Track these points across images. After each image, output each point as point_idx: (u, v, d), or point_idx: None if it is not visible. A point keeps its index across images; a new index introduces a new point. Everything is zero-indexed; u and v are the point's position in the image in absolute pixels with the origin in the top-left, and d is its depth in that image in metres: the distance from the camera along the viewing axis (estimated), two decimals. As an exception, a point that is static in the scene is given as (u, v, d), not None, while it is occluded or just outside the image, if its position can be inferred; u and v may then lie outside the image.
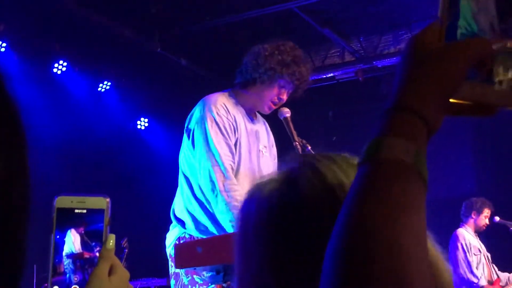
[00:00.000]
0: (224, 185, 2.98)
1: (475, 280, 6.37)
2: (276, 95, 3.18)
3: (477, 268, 6.42)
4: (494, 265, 6.65)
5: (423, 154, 0.68)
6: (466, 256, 6.41)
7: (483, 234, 6.73)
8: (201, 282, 2.99)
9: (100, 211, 1.02)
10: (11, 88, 0.54)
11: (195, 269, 2.90)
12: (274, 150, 3.46)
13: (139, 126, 8.17)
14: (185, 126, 3.20)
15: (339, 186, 0.84)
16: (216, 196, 2.98)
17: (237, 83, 3.25)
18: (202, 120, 3.08)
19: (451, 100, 0.71)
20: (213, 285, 2.86)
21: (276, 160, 3.46)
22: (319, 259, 0.67)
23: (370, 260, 0.61)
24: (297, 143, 3.14)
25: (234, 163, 3.10)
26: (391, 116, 0.69)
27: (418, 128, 0.68)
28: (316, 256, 0.73)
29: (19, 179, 0.54)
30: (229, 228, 2.96)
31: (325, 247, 0.65)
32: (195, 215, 3.13)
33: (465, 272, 6.41)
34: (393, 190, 0.65)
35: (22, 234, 0.54)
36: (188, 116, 3.20)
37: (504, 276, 6.61)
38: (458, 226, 6.67)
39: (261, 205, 0.87)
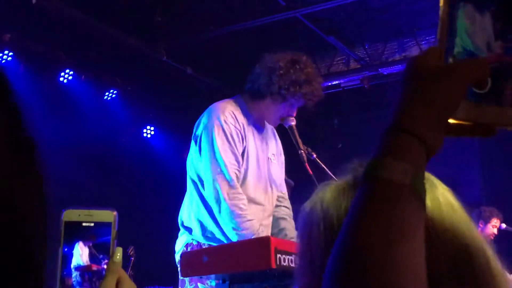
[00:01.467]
0: (228, 194, 2.98)
1: None
2: (286, 111, 3.18)
3: None
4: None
5: (422, 175, 0.68)
6: None
7: (494, 241, 6.71)
8: None
9: (108, 224, 1.03)
10: (26, 120, 0.54)
11: (201, 277, 2.90)
12: (282, 157, 3.45)
13: (145, 134, 8.17)
14: (193, 132, 3.20)
15: None
16: (220, 204, 2.98)
17: (247, 91, 3.25)
18: (209, 128, 3.09)
19: (450, 120, 0.71)
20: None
21: (284, 168, 3.46)
22: None
23: (366, 280, 0.62)
24: (302, 151, 3.13)
25: (239, 171, 3.10)
26: (390, 137, 0.70)
27: (416, 150, 0.69)
28: None
29: (39, 214, 0.54)
30: (233, 236, 2.96)
31: None
32: (202, 221, 3.13)
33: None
34: (390, 212, 0.66)
35: (42, 267, 0.54)
36: (196, 123, 3.21)
37: None
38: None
39: (326, 210, 0.88)
